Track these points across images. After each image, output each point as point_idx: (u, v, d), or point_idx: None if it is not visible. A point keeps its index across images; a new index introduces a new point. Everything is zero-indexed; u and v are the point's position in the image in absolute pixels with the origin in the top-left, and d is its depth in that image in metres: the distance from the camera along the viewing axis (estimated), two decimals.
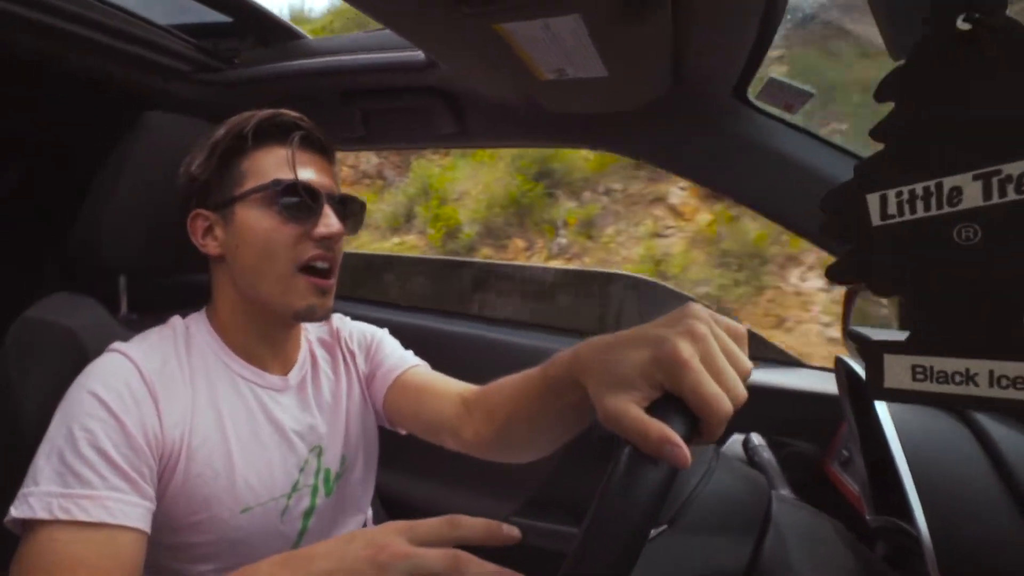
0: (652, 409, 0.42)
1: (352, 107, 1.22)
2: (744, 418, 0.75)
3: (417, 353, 0.95)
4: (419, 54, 1.03)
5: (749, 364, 0.44)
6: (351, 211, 0.81)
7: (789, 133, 0.97)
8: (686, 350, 0.41)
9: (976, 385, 0.35)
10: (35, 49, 1.02)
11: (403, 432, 0.92)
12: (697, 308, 0.46)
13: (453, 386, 0.84)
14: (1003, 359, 0.34)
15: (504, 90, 1.02)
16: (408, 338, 0.97)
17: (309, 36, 1.25)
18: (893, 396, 0.39)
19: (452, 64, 0.96)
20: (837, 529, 0.68)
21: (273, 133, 0.76)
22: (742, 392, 0.42)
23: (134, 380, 0.67)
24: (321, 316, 0.77)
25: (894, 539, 0.73)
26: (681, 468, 0.38)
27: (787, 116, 0.97)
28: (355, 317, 0.99)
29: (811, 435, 1.13)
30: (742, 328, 0.47)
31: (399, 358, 0.92)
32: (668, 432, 0.39)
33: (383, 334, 0.97)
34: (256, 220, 0.73)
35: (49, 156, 1.44)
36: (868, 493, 0.79)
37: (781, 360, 1.28)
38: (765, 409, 1.11)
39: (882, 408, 0.67)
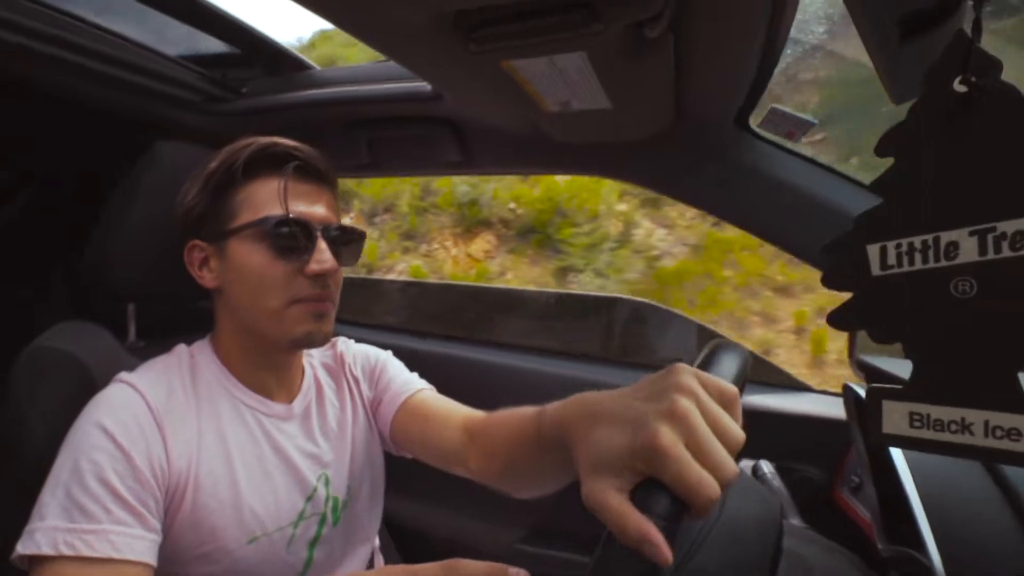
0: (635, 494, 0.40)
1: (358, 135, 1.23)
2: (752, 444, 0.75)
3: (421, 377, 0.95)
4: (425, 85, 1.04)
5: (740, 434, 0.42)
6: (348, 242, 0.79)
7: (791, 161, 0.98)
8: (666, 437, 0.39)
9: (972, 434, 0.36)
10: (47, 81, 1.04)
11: (410, 456, 0.91)
12: (682, 376, 0.43)
13: (457, 414, 0.83)
14: (998, 410, 0.35)
15: (510, 121, 1.04)
16: (411, 362, 0.98)
17: (317, 67, 1.27)
18: (891, 442, 0.40)
19: (458, 96, 0.98)
20: (850, 561, 0.67)
21: (267, 163, 0.74)
22: (731, 469, 0.39)
23: (141, 412, 0.68)
24: (320, 341, 0.76)
25: (906, 569, 0.73)
26: (662, 566, 0.37)
27: (789, 144, 0.98)
28: (358, 341, 1.00)
29: (819, 460, 1.12)
30: (732, 389, 0.44)
31: (404, 382, 0.91)
32: (646, 529, 0.37)
33: (387, 357, 0.96)
34: (248, 256, 0.72)
35: (59, 182, 1.45)
36: (880, 522, 0.78)
37: (788, 385, 1.27)
38: (773, 435, 1.11)
39: None
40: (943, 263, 0.36)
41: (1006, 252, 0.33)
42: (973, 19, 0.33)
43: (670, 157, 1.05)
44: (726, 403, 0.43)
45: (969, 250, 0.35)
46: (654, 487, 0.40)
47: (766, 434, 1.15)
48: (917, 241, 0.36)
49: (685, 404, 0.41)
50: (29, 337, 0.79)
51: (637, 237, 3.80)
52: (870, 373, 0.81)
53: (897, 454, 0.66)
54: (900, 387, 0.39)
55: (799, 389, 1.26)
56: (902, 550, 0.71)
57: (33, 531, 0.59)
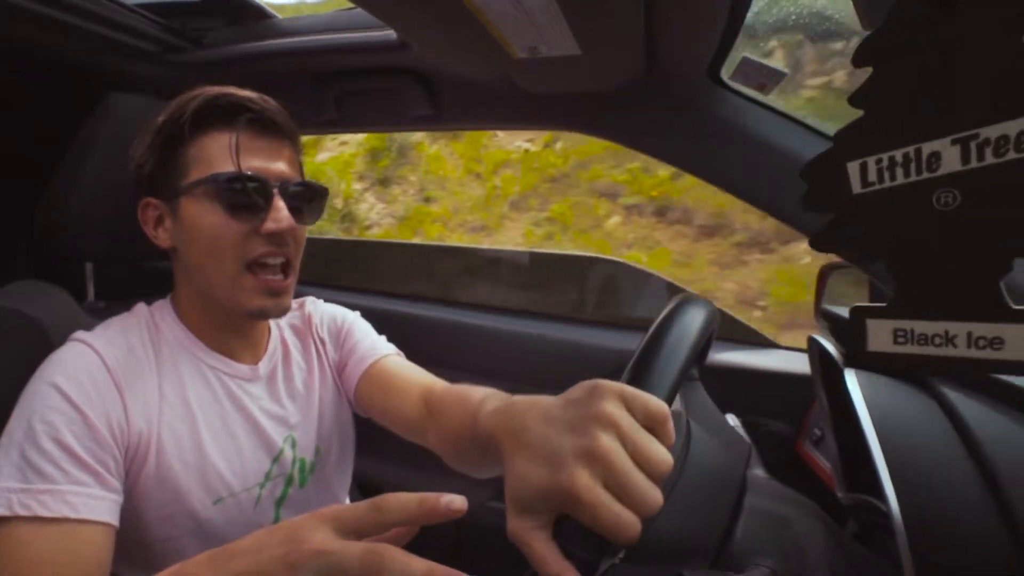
0: (557, 529, 0.41)
1: (324, 89, 1.20)
2: (719, 399, 0.76)
3: (391, 339, 0.93)
4: (391, 34, 1.01)
5: (667, 461, 0.41)
6: (310, 199, 0.75)
7: (763, 114, 0.97)
8: (582, 481, 0.38)
9: (955, 347, 0.36)
10: None
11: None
12: (604, 403, 0.41)
13: (417, 386, 0.80)
14: (980, 321, 0.35)
15: (477, 69, 1.01)
16: (382, 323, 0.96)
17: (279, 16, 1.22)
18: (876, 360, 0.40)
19: (424, 43, 0.95)
20: (809, 508, 0.69)
21: (218, 116, 0.70)
22: (654, 502, 0.39)
23: (97, 370, 0.66)
24: (277, 315, 0.74)
25: (865, 516, 0.75)
26: None
27: (762, 98, 0.97)
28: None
29: (784, 415, 1.15)
30: (661, 409, 0.42)
31: (370, 346, 0.89)
32: (565, 571, 0.38)
33: (354, 319, 0.94)
34: (201, 215, 0.69)
35: (13, 140, 1.40)
36: (840, 471, 0.80)
37: (754, 341, 1.29)
38: (739, 390, 1.13)
39: (853, 386, 0.67)
40: (925, 175, 0.35)
41: (989, 159, 0.33)
42: None
43: (641, 110, 1.04)
44: (654, 424, 0.42)
45: (951, 160, 0.34)
46: (574, 526, 0.40)
47: (733, 390, 1.17)
48: (898, 154, 0.36)
49: (605, 443, 0.40)
50: None
51: (361, 211, 4.51)
52: (834, 322, 0.82)
53: (859, 402, 0.67)
54: (883, 305, 0.39)
55: (766, 345, 1.28)
56: (860, 497, 0.73)
57: None
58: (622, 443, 0.40)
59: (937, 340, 0.37)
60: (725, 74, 0.96)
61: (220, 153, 0.69)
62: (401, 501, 0.38)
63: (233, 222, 0.69)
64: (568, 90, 1.01)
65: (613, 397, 0.42)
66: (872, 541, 0.73)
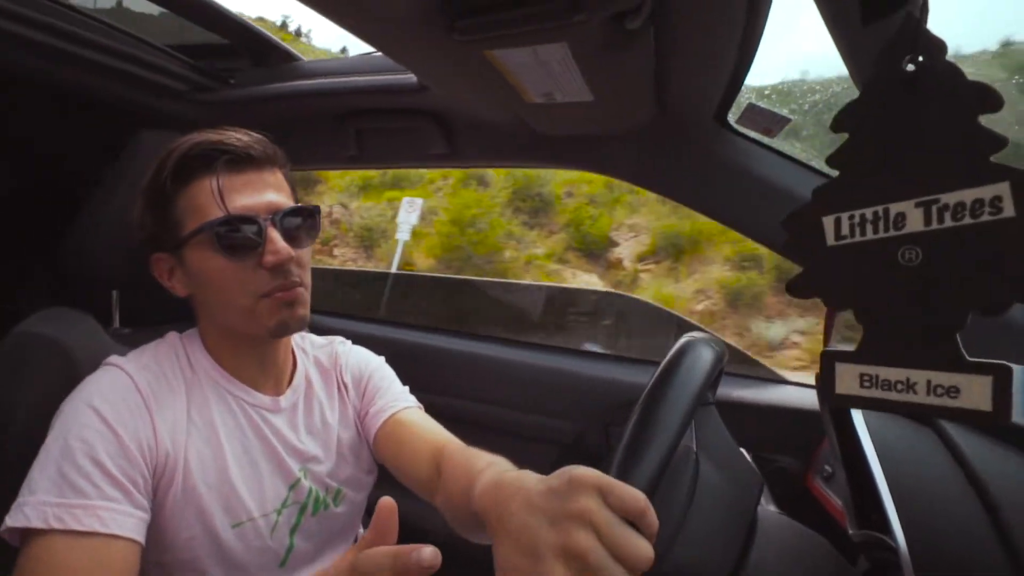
0: None
1: (346, 127, 1.24)
2: (729, 434, 0.77)
3: (403, 368, 0.95)
4: (412, 77, 1.06)
5: (646, 553, 0.42)
6: (303, 222, 0.76)
7: (768, 156, 1.01)
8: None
9: (915, 393, 0.39)
10: (31, 67, 1.04)
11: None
12: (581, 499, 0.43)
13: (430, 443, 0.81)
14: (939, 370, 0.38)
15: (494, 112, 1.05)
16: (394, 353, 0.99)
17: (304, 59, 1.28)
18: (843, 402, 0.42)
19: (443, 87, 0.99)
20: (820, 544, 0.69)
21: (198, 165, 0.71)
22: None
23: (130, 393, 0.69)
24: (296, 327, 0.75)
25: (876, 553, 0.74)
26: None
27: (767, 140, 1.01)
28: (344, 332, 1.00)
29: (794, 451, 1.14)
30: (639, 502, 0.44)
31: (391, 398, 0.90)
32: None
33: (377, 366, 0.95)
34: (203, 262, 0.72)
35: (44, 169, 1.45)
36: (851, 508, 0.80)
37: (764, 377, 1.30)
38: (749, 426, 1.13)
39: (860, 424, 0.68)
40: (892, 233, 0.38)
41: (948, 222, 0.36)
42: (921, 2, 0.35)
43: (650, 151, 1.07)
44: (633, 516, 0.43)
45: (915, 220, 0.37)
46: None
47: (742, 425, 1.17)
48: (868, 212, 0.39)
49: (582, 542, 0.41)
50: (12, 324, 0.79)
51: None
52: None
53: (866, 440, 0.68)
54: (851, 350, 0.41)
55: (775, 381, 1.29)
56: (871, 534, 0.73)
57: (23, 505, 0.60)
58: (600, 539, 0.42)
59: (899, 386, 0.39)
60: (732, 118, 1.00)
61: (207, 200, 0.70)
62: (376, 557, 0.43)
63: (234, 263, 0.71)
64: (579, 132, 1.05)
65: (590, 491, 0.44)
66: None
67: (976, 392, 0.36)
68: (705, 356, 0.59)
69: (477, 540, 0.70)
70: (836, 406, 0.63)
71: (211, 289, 0.73)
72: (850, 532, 0.77)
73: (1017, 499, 0.55)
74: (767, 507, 0.91)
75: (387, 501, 0.47)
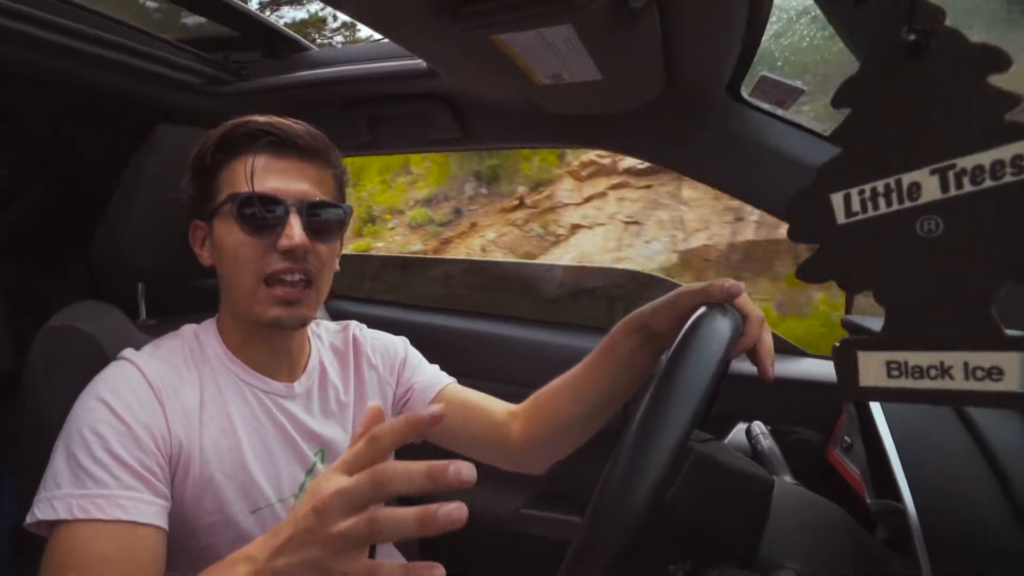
0: None
1: (357, 114, 1.25)
2: (748, 407, 0.78)
3: (421, 350, 0.98)
4: (421, 62, 1.06)
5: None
6: (329, 218, 0.77)
7: (782, 128, 0.99)
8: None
9: (952, 378, 0.35)
10: (52, 68, 1.06)
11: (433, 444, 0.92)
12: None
13: (497, 400, 0.92)
14: (976, 350, 0.34)
15: (503, 95, 1.05)
16: (411, 337, 1.00)
17: (315, 48, 1.29)
18: (870, 395, 0.39)
19: (452, 72, 0.99)
20: (837, 513, 0.70)
21: (241, 143, 0.74)
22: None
23: (140, 386, 0.70)
24: (292, 326, 0.77)
25: (894, 522, 0.75)
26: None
27: (781, 112, 0.99)
28: (361, 317, 1.02)
29: (814, 423, 1.15)
30: None
31: (433, 374, 0.95)
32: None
33: (405, 347, 0.98)
34: (225, 233, 0.74)
35: (71, 169, 1.48)
36: (868, 478, 0.81)
37: (785, 350, 1.30)
38: (768, 398, 1.13)
39: None
40: (907, 204, 0.36)
41: (967, 187, 0.34)
42: None
43: (663, 127, 1.06)
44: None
45: (931, 189, 0.35)
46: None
47: (762, 398, 1.17)
48: (880, 185, 0.37)
49: None
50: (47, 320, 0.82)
51: None
52: (855, 331, 0.83)
53: (876, 409, 0.68)
54: (874, 337, 0.39)
55: (795, 354, 1.28)
56: (889, 503, 0.74)
57: (49, 498, 0.62)
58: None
59: (933, 372, 0.36)
60: (745, 91, 0.98)
61: (242, 176, 0.73)
62: (387, 430, 0.45)
63: (251, 239, 0.72)
64: (590, 111, 1.04)
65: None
66: (901, 546, 0.73)
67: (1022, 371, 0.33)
68: (722, 327, 0.59)
69: (559, 444, 0.87)
70: (861, 400, 0.60)
71: (225, 261, 0.75)
72: (868, 501, 0.78)
73: None
74: (784, 477, 0.92)
75: (375, 404, 0.50)
